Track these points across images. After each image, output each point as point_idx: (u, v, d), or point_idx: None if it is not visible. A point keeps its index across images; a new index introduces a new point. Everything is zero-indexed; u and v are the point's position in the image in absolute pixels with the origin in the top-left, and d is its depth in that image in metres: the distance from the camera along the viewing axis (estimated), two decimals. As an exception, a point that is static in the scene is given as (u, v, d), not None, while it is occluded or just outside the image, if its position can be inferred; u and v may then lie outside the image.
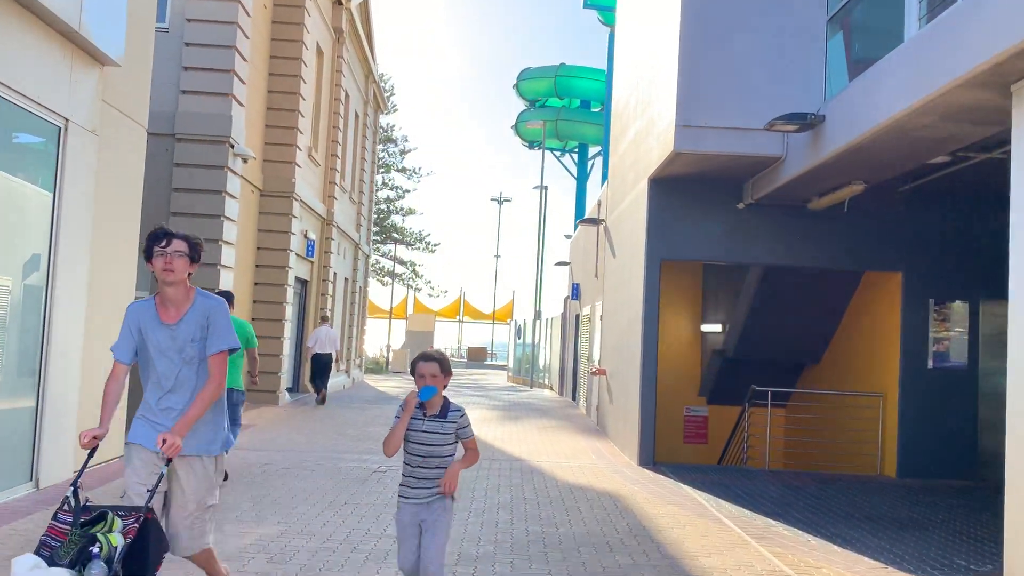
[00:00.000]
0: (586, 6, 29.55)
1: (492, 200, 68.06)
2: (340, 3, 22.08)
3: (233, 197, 13.67)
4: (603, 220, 16.18)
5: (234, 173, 13.68)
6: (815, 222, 11.36)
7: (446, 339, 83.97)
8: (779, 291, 12.94)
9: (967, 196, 11.27)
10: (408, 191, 58.16)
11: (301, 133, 18.13)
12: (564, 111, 36.21)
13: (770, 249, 11.41)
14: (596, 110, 36.53)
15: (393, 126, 55.52)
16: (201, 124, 13.20)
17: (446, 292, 69.32)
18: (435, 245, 60.36)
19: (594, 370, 15.16)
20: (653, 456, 11.26)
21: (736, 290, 13.55)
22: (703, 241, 11.42)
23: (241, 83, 13.86)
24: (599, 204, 17.00)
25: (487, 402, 21.74)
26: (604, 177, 33.60)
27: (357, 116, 26.82)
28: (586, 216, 16.97)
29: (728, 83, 9.73)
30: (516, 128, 38.29)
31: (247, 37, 14.09)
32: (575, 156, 38.88)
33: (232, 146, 13.46)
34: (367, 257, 30.98)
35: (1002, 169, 10.67)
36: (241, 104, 13.95)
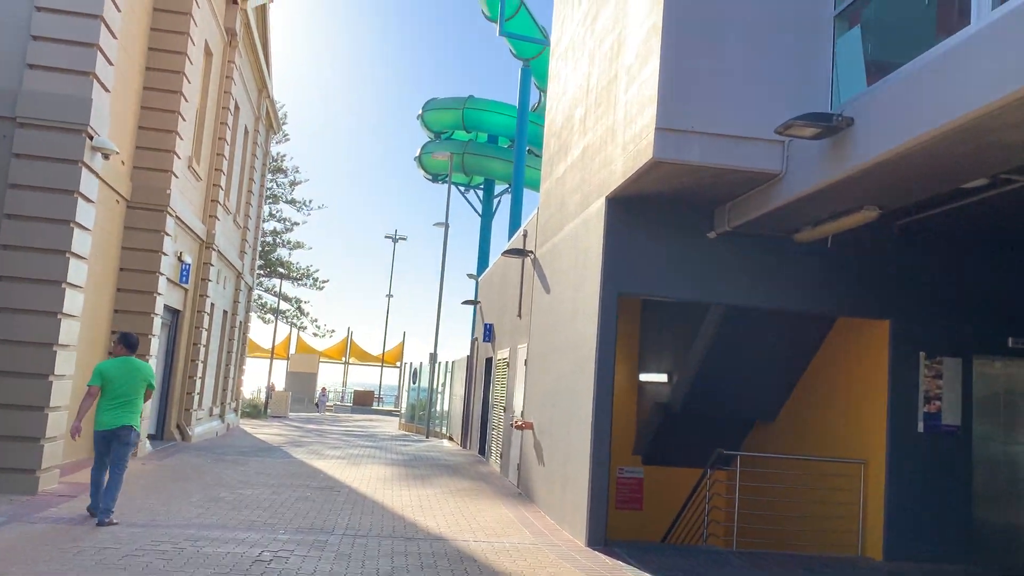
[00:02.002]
0: (502, 33, 28.07)
1: (386, 237, 65.52)
2: (235, 2, 19.69)
3: (88, 200, 11.05)
4: (531, 252, 14.27)
5: (91, 171, 11.07)
6: (794, 258, 9.76)
7: (331, 381, 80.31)
8: (740, 336, 11.28)
9: (962, 238, 9.93)
10: (297, 224, 54.86)
11: (181, 139, 15.56)
12: (472, 145, 34.54)
13: (742, 287, 9.72)
14: (505, 146, 34.98)
15: (283, 155, 52.46)
16: (51, 107, 10.58)
17: (333, 332, 65.65)
18: (323, 282, 56.96)
19: (517, 423, 13.10)
20: (605, 533, 9.25)
21: (686, 333, 11.81)
22: (666, 274, 9.63)
23: (108, 63, 11.33)
24: (525, 235, 15.12)
25: (384, 455, 19.28)
26: (513, 214, 32.05)
27: (247, 132, 24.23)
28: (509, 248, 15.05)
29: (716, 82, 8.02)
30: (420, 160, 36.31)
31: (118, 9, 11.61)
32: (479, 193, 37.15)
33: (91, 137, 10.88)
34: (250, 289, 28.09)
35: (1000, 210, 9.41)
36: (106, 89, 11.40)
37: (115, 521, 8.61)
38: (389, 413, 54.66)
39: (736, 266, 9.72)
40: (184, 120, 15.58)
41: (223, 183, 19.99)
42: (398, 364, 72.37)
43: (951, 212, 8.61)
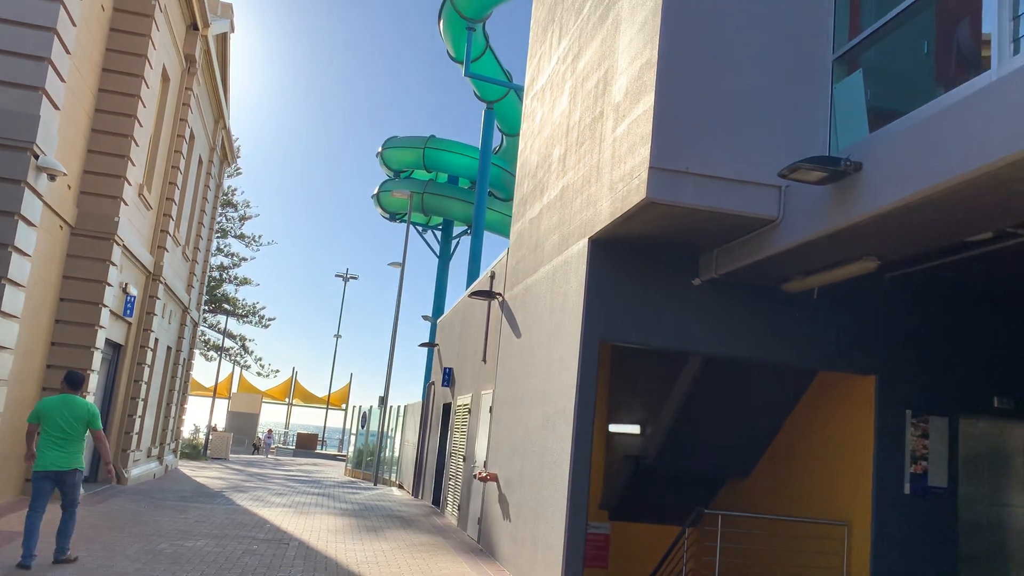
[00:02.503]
0: (467, 74, 27.84)
1: (337, 276, 64.58)
2: (195, 28, 19.09)
3: (30, 224, 10.27)
4: (499, 295, 13.76)
5: (35, 193, 10.31)
6: (779, 308, 9.41)
7: (273, 422, 78.25)
8: (719, 387, 10.86)
9: (951, 293, 9.69)
10: (245, 259, 53.54)
11: (133, 165, 14.81)
12: (432, 185, 34.12)
13: (724, 336, 9.31)
14: (465, 187, 34.63)
15: (234, 189, 51.35)
16: (-6, 122, 9.85)
17: (277, 371, 63.84)
18: (270, 319, 55.41)
19: (480, 475, 12.44)
20: (580, 598, 8.63)
21: (661, 382, 11.34)
22: (649, 321, 9.18)
23: (59, 79, 10.64)
24: (492, 277, 14.62)
25: (333, 504, 18.37)
26: (473, 256, 31.58)
27: (201, 162, 23.45)
28: (476, 290, 14.52)
29: (712, 123, 7.67)
30: (378, 198, 35.74)
31: (74, 23, 10.95)
32: (437, 234, 36.64)
33: (36, 156, 10.15)
34: (195, 325, 27.03)
35: (994, 265, 9.23)
36: (56, 106, 10.69)
37: (74, 557, 8.60)
38: (333, 457, 53.17)
39: (719, 314, 9.32)
40: (137, 145, 14.86)
41: (174, 213, 19.17)
42: (343, 406, 70.94)
43: (944, 266, 8.35)
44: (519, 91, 27.61)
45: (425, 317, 34.62)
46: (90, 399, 13.96)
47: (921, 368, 9.62)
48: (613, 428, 13.07)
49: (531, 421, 10.62)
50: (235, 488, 20.50)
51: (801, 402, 10.95)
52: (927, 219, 6.49)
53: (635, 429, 12.23)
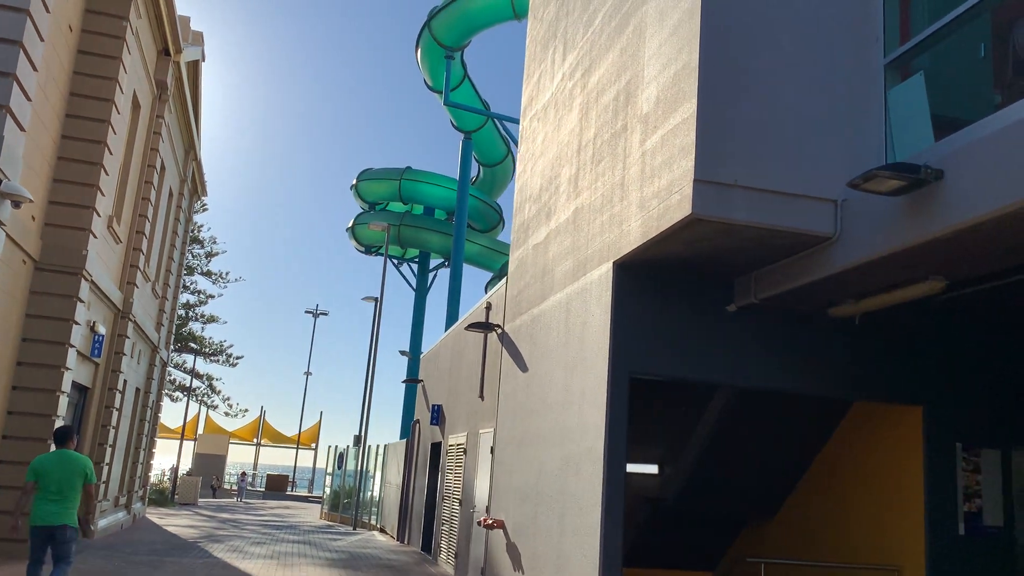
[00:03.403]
0: (447, 103, 27.20)
1: (307, 312, 63.20)
2: (167, 54, 18.23)
3: (-9, 256, 9.29)
4: (498, 327, 12.93)
5: (-3, 222, 9.35)
6: (819, 335, 8.71)
7: (241, 463, 76.13)
8: (747, 422, 10.12)
9: (995, 316, 9.06)
10: (212, 296, 51.98)
11: (102, 195, 13.85)
12: (408, 217, 33.30)
13: (758, 366, 8.57)
14: (443, 219, 33.85)
15: (200, 225, 50.04)
16: (-48, 144, 8.90)
17: (246, 411, 61.88)
18: (237, 358, 53.71)
19: (486, 521, 11.51)
20: (617, 663, 7.74)
21: (684, 418, 10.56)
22: (681, 352, 8.41)
23: (25, 97, 9.72)
24: (488, 308, 13.79)
25: (317, 553, 17.24)
26: (452, 289, 30.73)
27: (171, 194, 22.45)
28: (472, 322, 13.67)
29: (760, 131, 7.00)
30: (353, 231, 34.82)
31: (41, 39, 10.06)
32: (413, 267, 35.76)
33: (-1, 181, 9.20)
34: (164, 365, 25.81)
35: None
36: (21, 127, 9.76)
37: None
38: (305, 499, 51.52)
39: (754, 343, 8.59)
40: (107, 174, 13.91)
41: (144, 247, 18.14)
42: (314, 446, 69.22)
43: (998, 287, 7.70)
44: (499, 120, 27.13)
45: (403, 352, 33.53)
46: (52, 448, 12.84)
47: (970, 397, 8.95)
48: (629, 468, 12.23)
49: (546, 463, 9.75)
50: (209, 538, 19.27)
51: (836, 436, 10.23)
52: (1008, 235, 5.83)
53: (653, 469, 11.40)
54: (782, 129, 7.04)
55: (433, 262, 35.67)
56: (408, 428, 34.52)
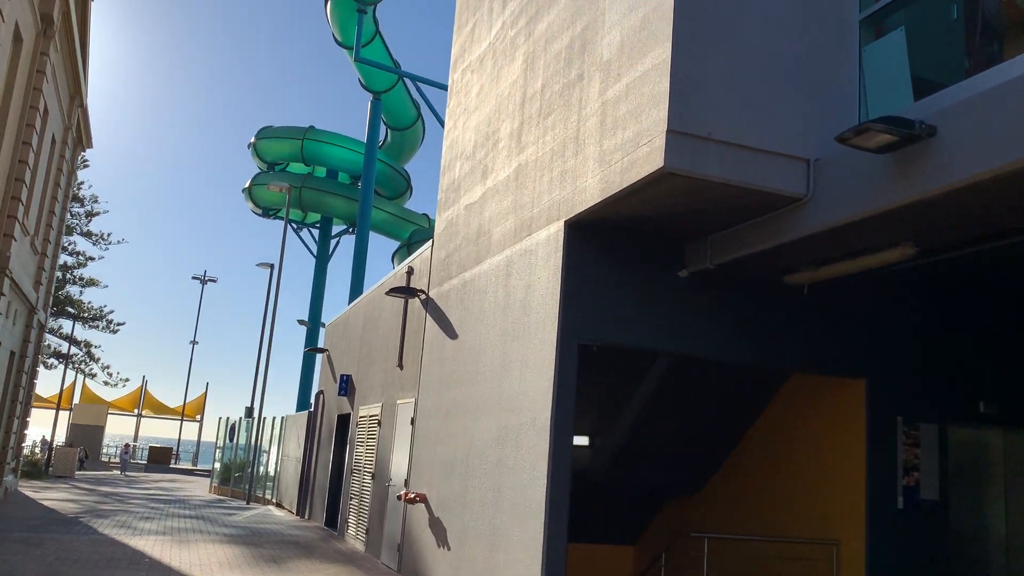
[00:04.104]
0: (358, 59, 26.00)
1: (194, 278, 60.40)
2: (53, -16, 16.53)
3: None
4: (422, 292, 12.23)
5: None
6: (762, 305, 8.44)
7: (120, 435, 72.73)
8: (682, 394, 9.82)
9: (942, 289, 9.00)
10: (92, 259, 48.79)
11: (-23, 133, 12.36)
12: (310, 179, 31.87)
13: (702, 334, 8.23)
14: (347, 183, 32.60)
15: (81, 182, 46.85)
16: None
17: (127, 381, 58.77)
18: (119, 324, 50.76)
19: (408, 496, 10.87)
20: (560, 646, 7.29)
21: (619, 388, 10.17)
22: (630, 318, 7.97)
23: None
24: (410, 273, 13.05)
25: (213, 529, 16.21)
26: (358, 255, 29.64)
27: (54, 142, 20.60)
28: (394, 287, 12.90)
29: (735, 83, 6.57)
30: (250, 192, 33.14)
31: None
32: (314, 232, 34.40)
33: None
34: (42, 328, 23.90)
35: (997, 260, 8.57)
36: None
37: None
38: (190, 472, 49.42)
39: (702, 310, 8.24)
40: (-17, 110, 12.41)
41: (24, 197, 16.49)
42: (198, 418, 66.62)
43: (959, 258, 7.55)
44: (413, 80, 26.13)
45: (301, 321, 32.32)
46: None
47: (910, 371, 8.88)
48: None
49: (478, 434, 9.19)
50: (92, 512, 17.91)
51: (769, 410, 10.05)
52: (1011, 194, 5.58)
53: (584, 441, 11.00)
54: (755, 83, 6.63)
55: (336, 228, 34.43)
56: (305, 400, 33.39)
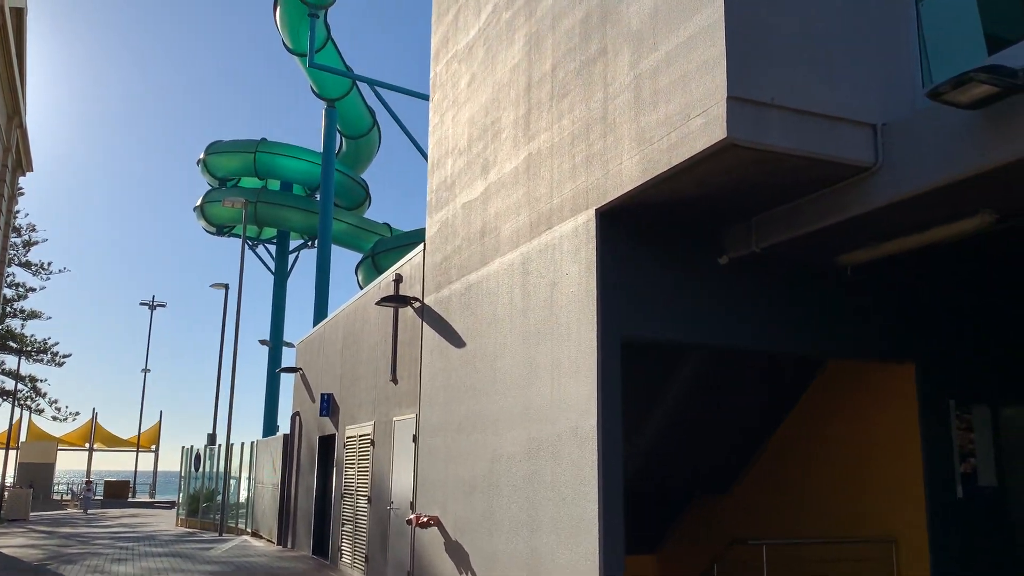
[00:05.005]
0: (311, 65, 25.01)
1: (142, 304, 58.43)
2: (-15, -6, 15.40)
3: None
4: (415, 300, 11.44)
5: None
6: (804, 290, 7.88)
7: (73, 471, 70.17)
8: (713, 389, 9.21)
9: (988, 264, 8.52)
10: (33, 290, 46.70)
11: (-86, 154, 11.24)
12: (265, 193, 30.72)
13: (746, 326, 7.64)
14: (303, 195, 31.52)
15: (18, 211, 44.80)
16: None
17: (77, 414, 56.58)
18: (64, 357, 48.70)
19: (419, 519, 10.06)
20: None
21: (648, 386, 9.49)
22: (673, 312, 7.33)
23: None
24: (398, 281, 12.24)
25: (195, 568, 15.15)
26: (321, 270, 28.55)
27: (-6, 165, 19.31)
28: (384, 297, 12.07)
29: (795, 42, 5.97)
30: (202, 210, 31.84)
31: None
32: (270, 248, 33.22)
33: None
34: (-11, 364, 22.44)
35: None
36: None
37: None
38: (150, 505, 47.56)
39: (744, 299, 7.65)
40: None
41: (-34, 223, 15.28)
42: (153, 448, 64.44)
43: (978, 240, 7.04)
44: (372, 85, 25.23)
45: (263, 342, 31.12)
46: None
47: (960, 351, 8.39)
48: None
49: (503, 448, 8.44)
50: (59, 558, 16.67)
51: (804, 401, 9.50)
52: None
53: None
54: (813, 42, 6.04)
55: (293, 243, 33.32)
56: (272, 423, 32.17)
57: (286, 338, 32.07)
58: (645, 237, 7.30)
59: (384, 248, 26.12)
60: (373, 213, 49.56)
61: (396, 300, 11.68)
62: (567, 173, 7.68)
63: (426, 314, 11.08)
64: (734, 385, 9.19)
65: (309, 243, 32.91)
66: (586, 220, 7.26)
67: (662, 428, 9.38)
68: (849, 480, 8.74)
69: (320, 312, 27.58)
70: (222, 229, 32.61)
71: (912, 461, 8.08)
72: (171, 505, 46.46)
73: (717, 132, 5.64)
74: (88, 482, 40.99)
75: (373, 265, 25.97)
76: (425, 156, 25.90)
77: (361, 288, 28.88)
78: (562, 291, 7.56)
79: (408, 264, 12.09)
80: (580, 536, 6.90)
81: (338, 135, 30.37)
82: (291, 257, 32.87)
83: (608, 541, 6.66)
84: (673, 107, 6.15)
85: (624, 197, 6.78)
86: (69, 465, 72.81)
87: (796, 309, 7.81)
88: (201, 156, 31.35)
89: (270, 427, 31.61)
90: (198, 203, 31.45)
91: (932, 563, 7.80)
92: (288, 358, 30.82)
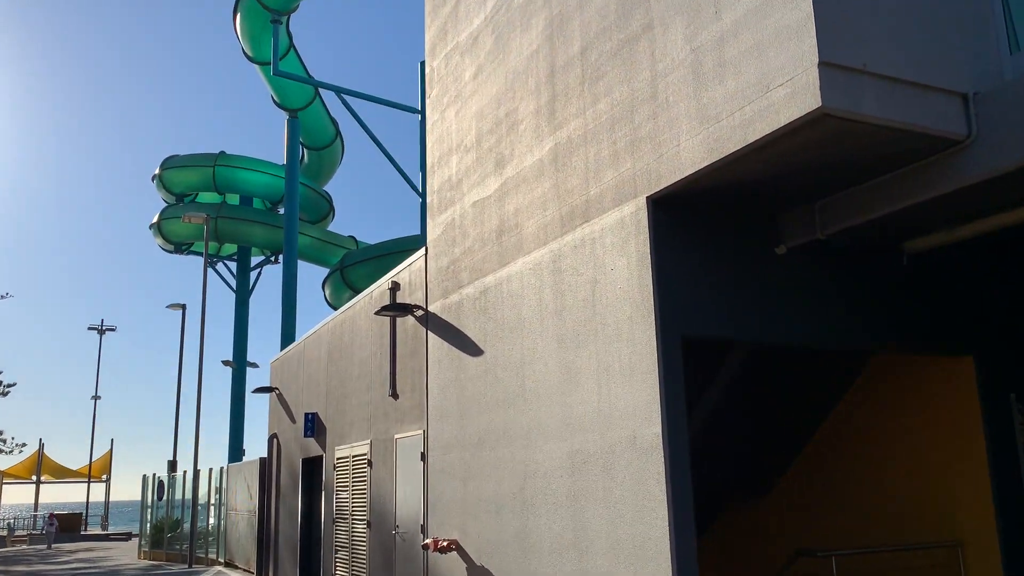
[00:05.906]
0: (276, 73, 24.07)
1: (91, 329, 56.37)
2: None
3: None
4: (418, 308, 10.71)
5: None
6: (859, 281, 7.37)
7: (20, 504, 67.48)
8: (757, 386, 8.68)
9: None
10: (-25, 318, 44.30)
11: None
12: (225, 208, 29.59)
13: (804, 320, 7.10)
14: (265, 209, 30.45)
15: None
16: None
17: (23, 446, 54.24)
18: (9, 386, 46.69)
19: (439, 543, 9.30)
20: None
21: (691, 381, 8.90)
22: (732, 308, 6.76)
23: None
24: (394, 289, 11.50)
25: (176, 605, 14.11)
26: (287, 285, 27.50)
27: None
28: (384, 306, 11.31)
29: (876, 5, 5.44)
30: (159, 227, 30.58)
31: None
32: (230, 265, 32.02)
33: None
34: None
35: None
36: None
37: None
38: (106, 538, 45.59)
39: (793, 291, 7.11)
40: None
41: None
42: (104, 478, 62.13)
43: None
44: (337, 92, 24.40)
45: (226, 362, 29.90)
46: None
47: (1017, 342, 7.95)
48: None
49: (538, 463, 7.76)
50: (22, 603, 15.47)
51: (848, 398, 8.99)
52: None
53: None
54: (899, 3, 5.53)
55: (255, 259, 32.17)
56: (238, 447, 30.93)
57: (250, 358, 30.92)
58: (698, 225, 6.72)
59: (353, 261, 25.25)
60: (336, 226, 48.47)
61: (395, 309, 10.94)
62: (607, 160, 7.06)
63: (432, 322, 10.36)
64: (778, 381, 8.66)
65: (272, 259, 31.83)
66: (634, 210, 6.65)
67: (702, 429, 8.79)
68: (907, 481, 8.24)
69: (288, 328, 26.57)
70: (180, 247, 31.35)
71: (976, 459, 7.61)
72: (127, 537, 44.61)
73: (809, 101, 5.07)
74: (51, 516, 39.12)
75: (342, 279, 25.08)
76: (395, 164, 25.14)
77: (329, 303, 27.96)
78: (606, 289, 6.93)
79: (407, 270, 11.36)
80: (645, 560, 6.24)
81: (301, 147, 29.41)
82: (253, 274, 31.76)
83: (681, 565, 6.01)
84: (747, 79, 5.57)
85: (682, 182, 6.19)
86: (17, 499, 69.94)
87: (851, 301, 7.30)
88: (157, 172, 30.09)
89: (236, 452, 30.37)
90: (155, 220, 30.16)
91: (1005, 567, 7.32)
92: (253, 379, 29.76)
